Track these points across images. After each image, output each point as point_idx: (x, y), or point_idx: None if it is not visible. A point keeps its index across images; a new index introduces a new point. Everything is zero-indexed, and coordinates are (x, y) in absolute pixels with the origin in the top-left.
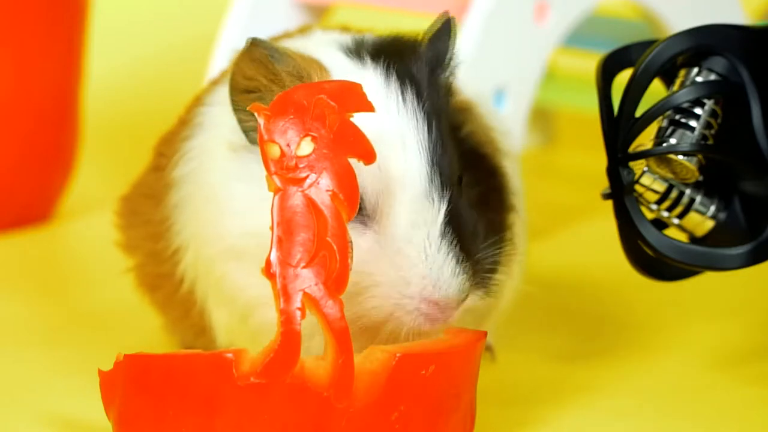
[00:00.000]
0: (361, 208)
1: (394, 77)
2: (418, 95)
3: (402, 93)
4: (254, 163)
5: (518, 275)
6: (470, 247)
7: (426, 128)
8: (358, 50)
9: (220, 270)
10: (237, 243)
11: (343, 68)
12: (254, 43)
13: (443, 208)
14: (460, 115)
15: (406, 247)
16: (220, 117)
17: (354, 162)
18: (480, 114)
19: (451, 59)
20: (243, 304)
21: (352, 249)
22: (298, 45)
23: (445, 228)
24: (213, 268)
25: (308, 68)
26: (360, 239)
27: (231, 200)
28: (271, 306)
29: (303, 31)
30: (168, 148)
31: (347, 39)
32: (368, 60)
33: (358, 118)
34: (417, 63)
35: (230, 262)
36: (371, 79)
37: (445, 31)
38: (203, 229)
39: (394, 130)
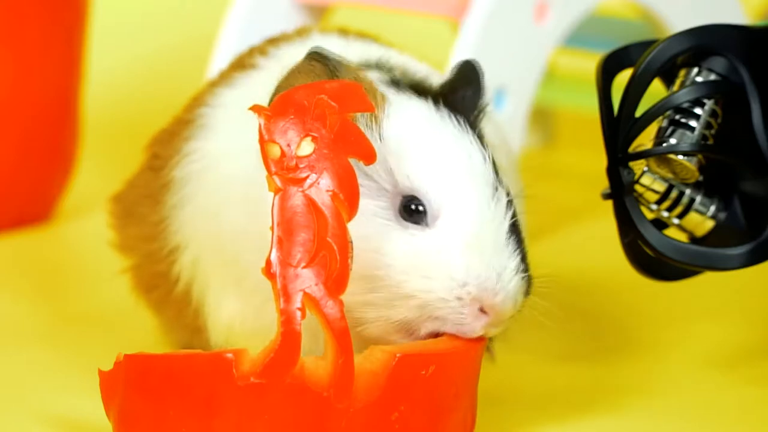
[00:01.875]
0: (422, 212)
1: (443, 107)
2: (467, 123)
3: (456, 119)
4: None
5: None
6: (526, 255)
7: (482, 149)
8: (396, 84)
9: (247, 261)
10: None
11: (393, 95)
12: (316, 55)
13: (511, 210)
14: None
15: (474, 238)
16: (225, 119)
17: (421, 167)
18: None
19: (482, 104)
20: (265, 297)
21: (352, 249)
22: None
23: (511, 229)
24: (237, 259)
25: (368, 87)
26: (418, 238)
27: (261, 190)
28: None
29: (301, 33)
30: (165, 148)
31: (380, 76)
32: (411, 92)
33: (420, 130)
34: (455, 101)
35: (258, 252)
36: (424, 106)
37: (471, 77)
38: (224, 222)
39: (458, 141)
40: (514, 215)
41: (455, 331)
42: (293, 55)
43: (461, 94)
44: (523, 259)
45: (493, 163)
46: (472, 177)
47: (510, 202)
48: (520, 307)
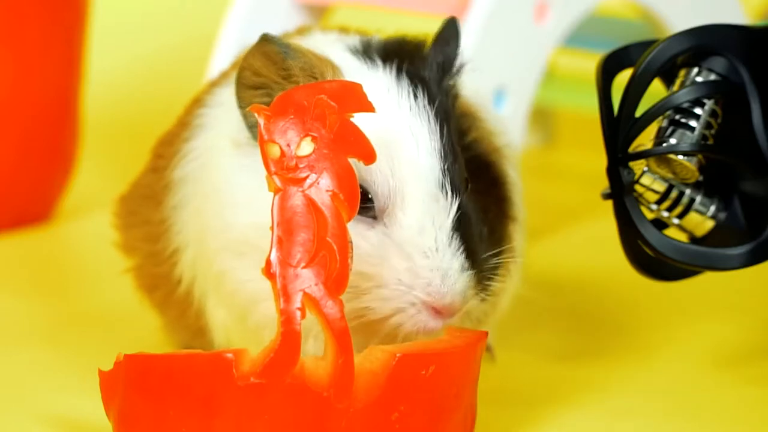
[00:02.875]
0: (370, 206)
1: (405, 79)
2: (430, 97)
3: (414, 94)
4: (257, 158)
5: (517, 282)
6: (476, 249)
7: (438, 130)
8: (367, 51)
9: (221, 265)
10: (239, 235)
11: (354, 68)
12: (266, 39)
13: (454, 206)
14: (465, 121)
15: (417, 239)
16: (221, 117)
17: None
18: (485, 119)
19: (457, 63)
20: (243, 300)
21: (352, 249)
22: (305, 45)
23: (455, 226)
24: (214, 263)
25: (321, 66)
26: (369, 233)
27: (233, 193)
28: (272, 300)
29: (302, 32)
30: (167, 149)
31: (354, 40)
32: (378, 61)
33: (372, 117)
34: (426, 66)
35: (231, 255)
36: (383, 80)
37: (451, 34)
38: (204, 225)
39: (408, 129)
40: (460, 207)
41: (416, 331)
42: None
43: (436, 56)
44: (471, 254)
45: (450, 143)
46: (416, 170)
47: (458, 193)
48: (471, 298)
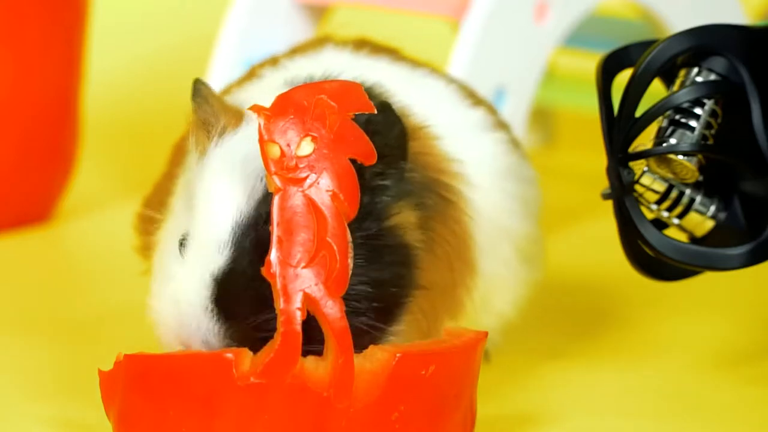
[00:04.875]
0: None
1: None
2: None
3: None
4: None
5: (508, 306)
6: (238, 309)
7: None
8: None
9: None
10: None
11: (255, 121)
12: (194, 83)
13: (222, 262)
14: (406, 201)
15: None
16: None
17: (200, 200)
18: (458, 192)
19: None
20: None
21: (352, 249)
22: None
23: (217, 284)
24: None
25: (225, 117)
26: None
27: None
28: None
29: (319, 42)
30: (180, 157)
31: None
32: None
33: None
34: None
35: None
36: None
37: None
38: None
39: (224, 184)
40: (232, 270)
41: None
42: (303, 65)
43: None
44: (231, 316)
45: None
46: (206, 222)
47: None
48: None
